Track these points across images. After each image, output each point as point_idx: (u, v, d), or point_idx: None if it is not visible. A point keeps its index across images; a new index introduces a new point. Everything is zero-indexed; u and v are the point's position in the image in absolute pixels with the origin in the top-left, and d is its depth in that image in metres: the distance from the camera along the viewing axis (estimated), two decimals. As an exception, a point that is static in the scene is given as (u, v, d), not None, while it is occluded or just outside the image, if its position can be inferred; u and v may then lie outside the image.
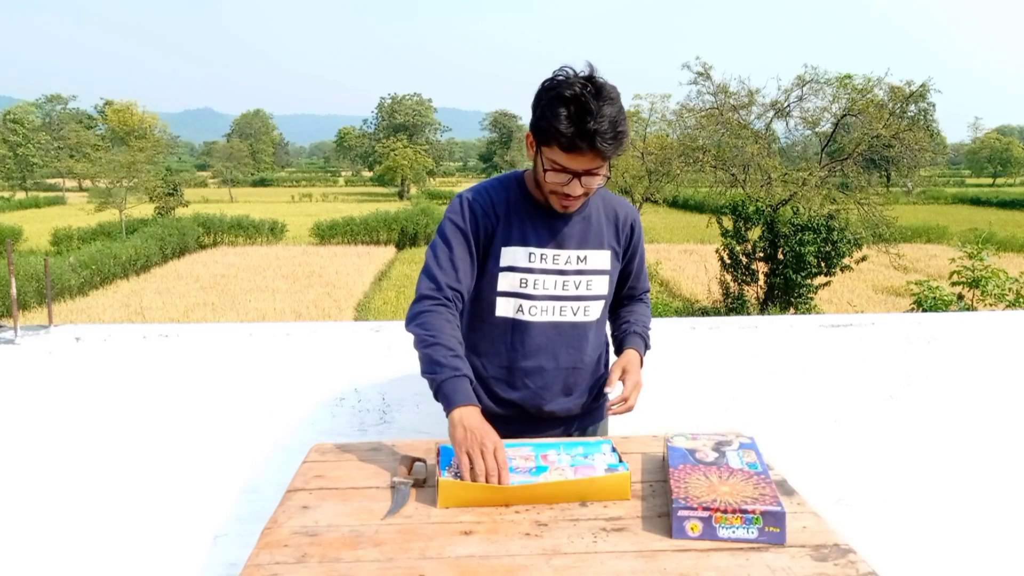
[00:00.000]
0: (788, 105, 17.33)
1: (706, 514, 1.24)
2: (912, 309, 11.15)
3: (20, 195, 57.00)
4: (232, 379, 2.63)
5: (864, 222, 15.98)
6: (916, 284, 11.07)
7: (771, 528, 1.23)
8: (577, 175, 1.52)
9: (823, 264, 14.48)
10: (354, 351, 2.74)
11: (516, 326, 1.69)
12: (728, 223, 15.53)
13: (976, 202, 51.19)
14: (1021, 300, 10.26)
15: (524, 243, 1.65)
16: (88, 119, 70.51)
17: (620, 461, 1.44)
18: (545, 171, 1.55)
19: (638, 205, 19.18)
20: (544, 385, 1.72)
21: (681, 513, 1.25)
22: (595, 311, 1.73)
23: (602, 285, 1.72)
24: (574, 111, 1.46)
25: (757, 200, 15.66)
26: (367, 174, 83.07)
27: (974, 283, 10.32)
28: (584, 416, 1.83)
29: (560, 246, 1.67)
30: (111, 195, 30.76)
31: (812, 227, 14.14)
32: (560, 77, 1.50)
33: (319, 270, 22.61)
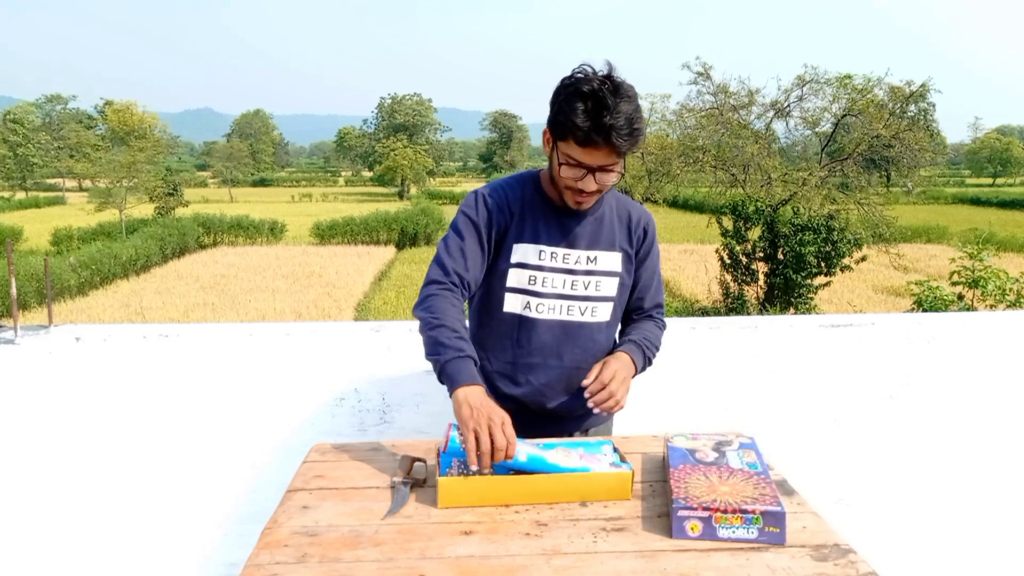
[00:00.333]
0: (788, 105, 17.35)
1: (706, 514, 1.24)
2: (912, 309, 11.15)
3: (20, 195, 57.07)
4: (232, 379, 2.63)
5: (864, 222, 15.98)
6: (916, 284, 11.06)
7: (771, 528, 1.23)
8: (592, 170, 1.54)
9: (823, 264, 14.49)
10: (354, 351, 2.75)
11: (523, 322, 1.69)
12: (728, 223, 15.54)
13: (976, 202, 51.21)
14: (1021, 300, 10.26)
15: (535, 240, 1.66)
16: (88, 119, 70.54)
17: (623, 461, 1.44)
18: (560, 165, 1.56)
19: (638, 205, 19.10)
20: (547, 383, 1.72)
21: (681, 513, 1.25)
22: (603, 312, 1.73)
23: (611, 287, 1.72)
24: (591, 106, 1.47)
25: (757, 200, 15.67)
26: (367, 174, 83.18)
27: (974, 283, 10.31)
28: (587, 416, 1.83)
29: (571, 246, 1.67)
30: (111, 195, 30.79)
31: (812, 227, 14.15)
32: (579, 74, 1.52)
33: (319, 270, 22.60)
